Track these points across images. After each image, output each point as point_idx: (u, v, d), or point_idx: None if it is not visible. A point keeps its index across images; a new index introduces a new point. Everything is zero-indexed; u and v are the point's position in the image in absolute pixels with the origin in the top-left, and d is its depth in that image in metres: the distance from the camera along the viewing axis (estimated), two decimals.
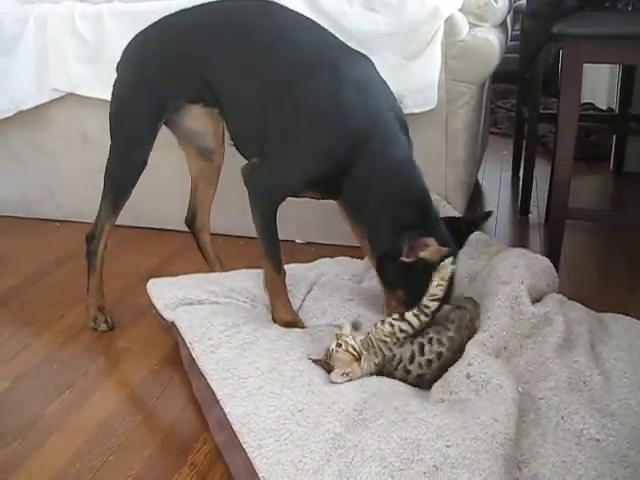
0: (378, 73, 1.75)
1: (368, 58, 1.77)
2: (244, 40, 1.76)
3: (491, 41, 2.22)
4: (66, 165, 2.75)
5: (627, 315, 1.78)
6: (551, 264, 1.93)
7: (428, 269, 1.61)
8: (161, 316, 1.84)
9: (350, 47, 1.78)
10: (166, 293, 1.86)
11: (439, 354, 1.57)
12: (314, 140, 1.67)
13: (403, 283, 1.68)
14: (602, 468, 1.28)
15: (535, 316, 1.71)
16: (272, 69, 1.72)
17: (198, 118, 1.90)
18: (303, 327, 1.81)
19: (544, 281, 1.85)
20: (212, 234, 2.15)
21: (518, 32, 3.14)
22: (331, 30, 2.15)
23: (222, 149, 2.03)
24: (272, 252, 1.79)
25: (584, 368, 1.55)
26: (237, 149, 1.87)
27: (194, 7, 1.87)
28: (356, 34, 2.16)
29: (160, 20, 1.89)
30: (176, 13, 1.88)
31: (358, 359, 1.54)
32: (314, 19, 1.85)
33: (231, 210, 2.35)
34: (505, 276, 1.78)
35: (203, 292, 1.86)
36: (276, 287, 1.82)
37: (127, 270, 1.94)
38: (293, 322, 1.81)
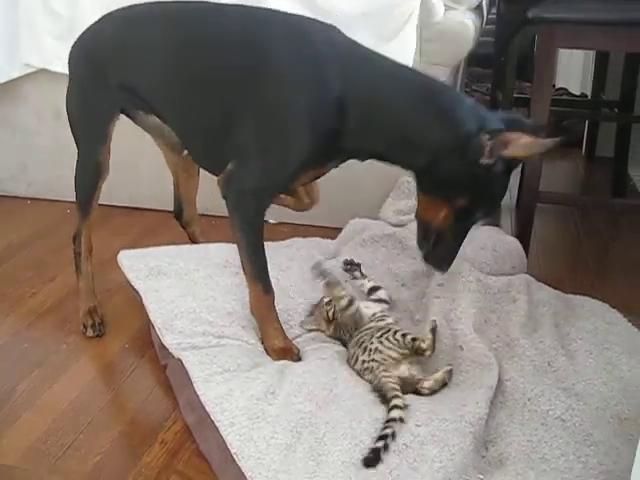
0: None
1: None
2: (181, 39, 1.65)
3: (466, 24, 2.22)
4: (38, 142, 2.71)
5: (595, 298, 1.80)
6: (519, 245, 1.96)
7: (509, 167, 1.46)
8: (132, 287, 1.82)
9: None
10: (138, 264, 1.85)
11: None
12: (295, 113, 1.49)
13: (470, 189, 1.46)
14: (566, 447, 1.32)
15: (500, 291, 1.75)
16: (218, 53, 1.58)
17: None
18: (298, 355, 1.61)
19: (509, 264, 1.88)
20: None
21: (494, 16, 3.15)
22: (307, 9, 2.16)
23: None
24: (260, 272, 1.61)
25: (549, 349, 1.58)
26: (199, 163, 1.78)
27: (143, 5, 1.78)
28: (332, 14, 2.15)
29: (105, 16, 1.79)
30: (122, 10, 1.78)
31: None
32: None
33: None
34: (471, 254, 1.83)
35: (172, 259, 1.84)
36: (265, 311, 1.64)
37: (99, 249, 1.93)
38: (286, 349, 1.61)
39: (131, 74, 1.70)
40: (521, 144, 1.37)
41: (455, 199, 1.47)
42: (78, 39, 1.83)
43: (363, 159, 1.59)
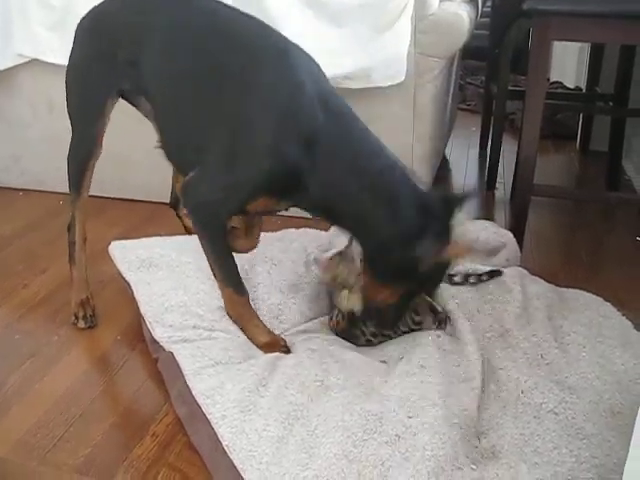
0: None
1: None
2: (180, 27, 1.63)
3: (461, 15, 2.22)
4: (32, 133, 2.70)
5: (588, 291, 1.80)
6: (513, 238, 1.95)
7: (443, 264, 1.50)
8: (124, 279, 1.81)
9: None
10: (129, 255, 1.84)
11: None
12: (264, 133, 1.45)
13: (411, 282, 1.52)
14: (559, 440, 1.32)
15: (494, 283, 1.76)
16: (211, 55, 1.56)
17: None
18: (286, 347, 1.61)
19: (504, 256, 1.88)
20: None
21: (489, 9, 3.14)
22: (303, 2, 2.15)
23: None
24: (229, 275, 1.61)
25: (542, 342, 1.59)
26: (169, 159, 1.72)
27: None
28: (328, 5, 2.15)
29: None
30: None
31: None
32: None
33: None
34: None
35: (164, 250, 1.83)
36: (241, 310, 1.64)
37: (92, 240, 1.92)
38: (272, 342, 1.62)
39: (136, 51, 1.68)
40: (454, 253, 1.45)
41: (397, 288, 1.52)
42: (83, 17, 1.81)
43: (315, 214, 1.56)
